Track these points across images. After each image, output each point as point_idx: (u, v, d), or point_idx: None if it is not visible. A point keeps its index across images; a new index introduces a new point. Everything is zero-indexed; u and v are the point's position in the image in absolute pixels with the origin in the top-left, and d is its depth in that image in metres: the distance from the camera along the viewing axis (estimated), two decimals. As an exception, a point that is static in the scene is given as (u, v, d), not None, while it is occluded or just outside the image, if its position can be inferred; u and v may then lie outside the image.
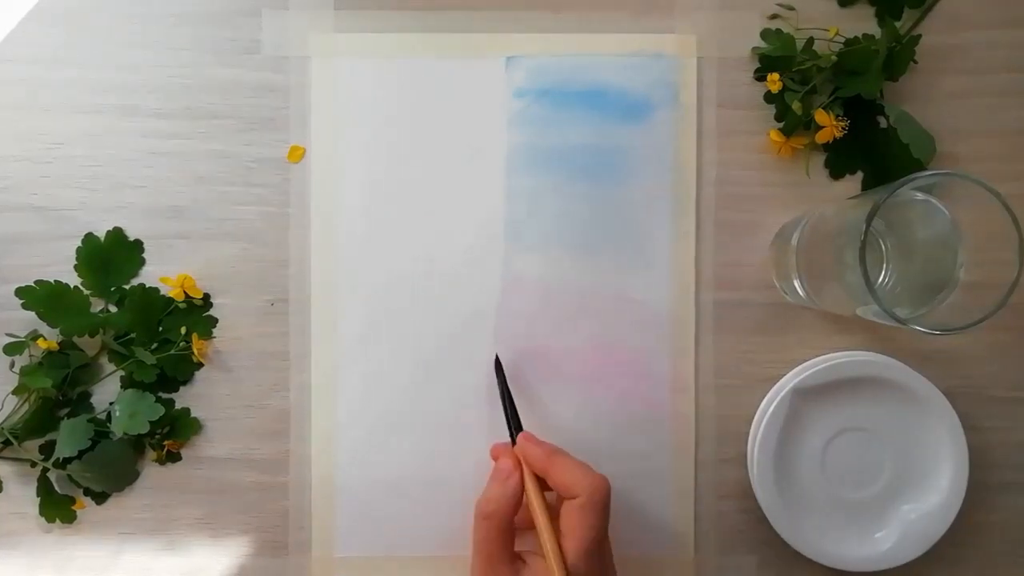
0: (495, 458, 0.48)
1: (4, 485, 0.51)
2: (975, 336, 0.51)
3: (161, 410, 0.49)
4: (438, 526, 0.51)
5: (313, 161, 0.51)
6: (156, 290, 0.51)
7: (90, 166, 0.51)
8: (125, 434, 0.49)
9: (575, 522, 0.42)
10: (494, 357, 0.50)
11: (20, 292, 0.49)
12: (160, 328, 0.51)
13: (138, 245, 0.51)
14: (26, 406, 0.49)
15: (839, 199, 0.50)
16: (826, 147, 0.51)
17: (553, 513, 0.44)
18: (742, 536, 0.51)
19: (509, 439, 0.48)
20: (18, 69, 0.51)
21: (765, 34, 0.51)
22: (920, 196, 0.44)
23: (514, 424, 0.48)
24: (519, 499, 0.45)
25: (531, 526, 0.45)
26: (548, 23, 0.51)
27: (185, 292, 0.50)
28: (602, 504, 0.43)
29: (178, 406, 0.51)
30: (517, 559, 0.44)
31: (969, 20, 0.52)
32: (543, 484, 0.45)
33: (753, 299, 0.52)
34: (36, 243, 0.51)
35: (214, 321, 0.51)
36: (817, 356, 0.51)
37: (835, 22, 0.51)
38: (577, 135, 0.51)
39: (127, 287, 0.51)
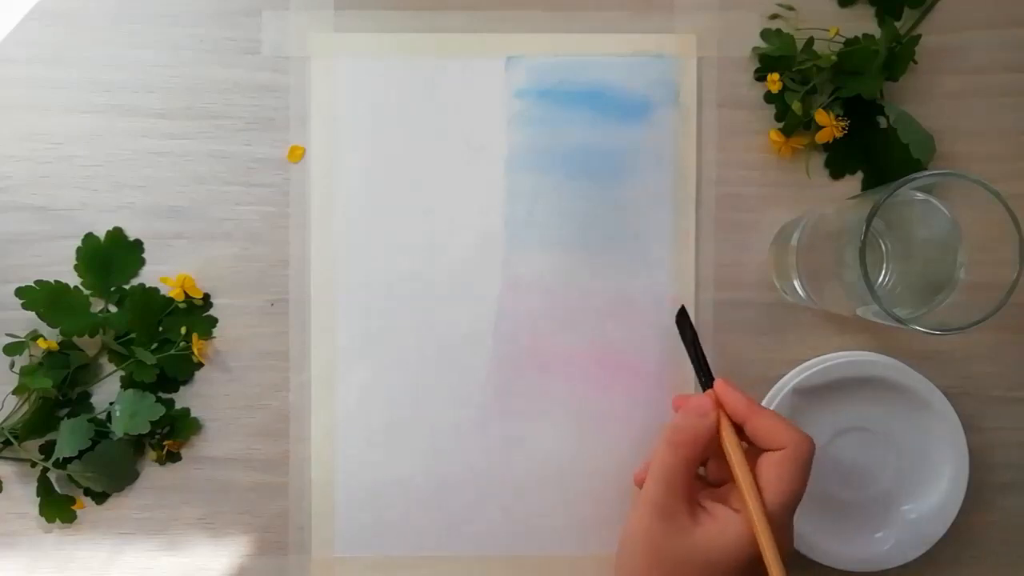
0: (677, 407, 0.45)
1: (4, 485, 0.51)
2: (975, 336, 0.51)
3: (161, 410, 0.49)
4: (438, 526, 0.51)
5: (313, 161, 0.51)
6: (156, 290, 0.51)
7: (90, 166, 0.51)
8: (125, 434, 0.49)
9: (775, 474, 0.39)
10: (679, 308, 0.47)
11: (20, 292, 0.49)
12: (160, 328, 0.51)
13: (138, 245, 0.51)
14: (26, 406, 0.49)
15: (839, 199, 0.50)
16: (826, 147, 0.51)
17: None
18: (742, 536, 0.51)
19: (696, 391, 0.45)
20: (18, 69, 0.51)
21: (765, 34, 0.51)
22: (920, 196, 0.44)
23: (705, 372, 0.45)
24: (713, 438, 0.42)
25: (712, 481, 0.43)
26: (548, 23, 0.51)
27: (185, 292, 0.50)
28: (806, 461, 0.40)
29: (178, 406, 0.51)
30: (695, 502, 0.42)
31: (969, 20, 0.52)
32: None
33: (753, 299, 0.52)
34: (36, 243, 0.51)
35: (214, 321, 0.51)
36: (817, 356, 0.51)
37: (835, 22, 0.51)
38: (577, 135, 0.51)
39: (127, 287, 0.51)
